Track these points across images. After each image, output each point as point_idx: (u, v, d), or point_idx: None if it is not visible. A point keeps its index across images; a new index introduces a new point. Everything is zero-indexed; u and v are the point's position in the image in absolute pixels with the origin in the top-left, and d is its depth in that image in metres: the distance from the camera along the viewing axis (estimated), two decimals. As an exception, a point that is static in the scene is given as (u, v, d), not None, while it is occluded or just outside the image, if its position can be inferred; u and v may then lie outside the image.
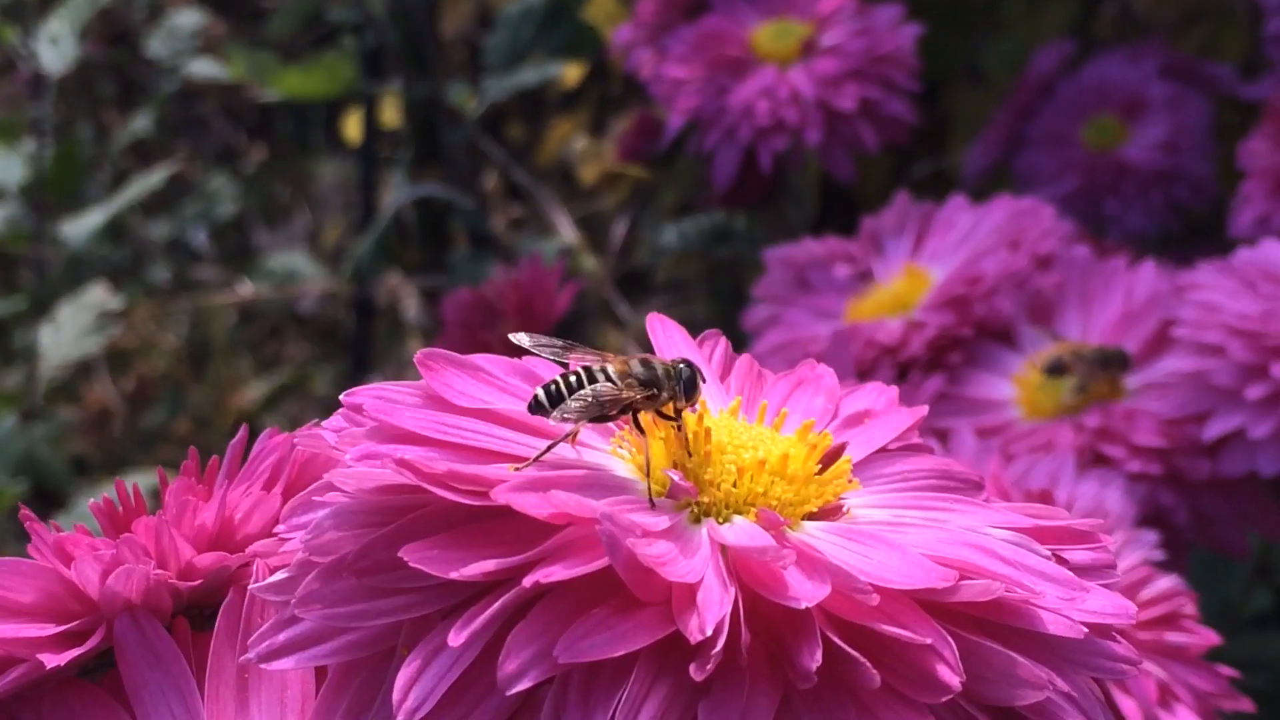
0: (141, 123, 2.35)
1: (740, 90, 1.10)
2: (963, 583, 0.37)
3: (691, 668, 0.35)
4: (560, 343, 0.47)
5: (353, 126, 2.04)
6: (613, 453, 0.43)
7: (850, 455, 0.44)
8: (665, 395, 0.43)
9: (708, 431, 0.41)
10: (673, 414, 0.43)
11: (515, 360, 0.46)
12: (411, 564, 0.36)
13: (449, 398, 0.42)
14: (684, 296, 1.82)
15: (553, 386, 0.42)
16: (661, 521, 0.38)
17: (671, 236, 1.30)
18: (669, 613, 0.36)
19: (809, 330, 0.94)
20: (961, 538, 0.40)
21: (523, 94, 2.35)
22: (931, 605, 0.37)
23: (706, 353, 0.50)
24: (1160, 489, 0.77)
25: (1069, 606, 0.38)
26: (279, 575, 0.39)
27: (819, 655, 0.35)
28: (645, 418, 0.43)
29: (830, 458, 0.43)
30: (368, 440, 0.40)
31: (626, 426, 0.43)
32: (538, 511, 0.36)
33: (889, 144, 1.11)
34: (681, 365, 0.44)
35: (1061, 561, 0.41)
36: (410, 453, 0.38)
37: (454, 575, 0.36)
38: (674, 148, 1.28)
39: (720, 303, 1.66)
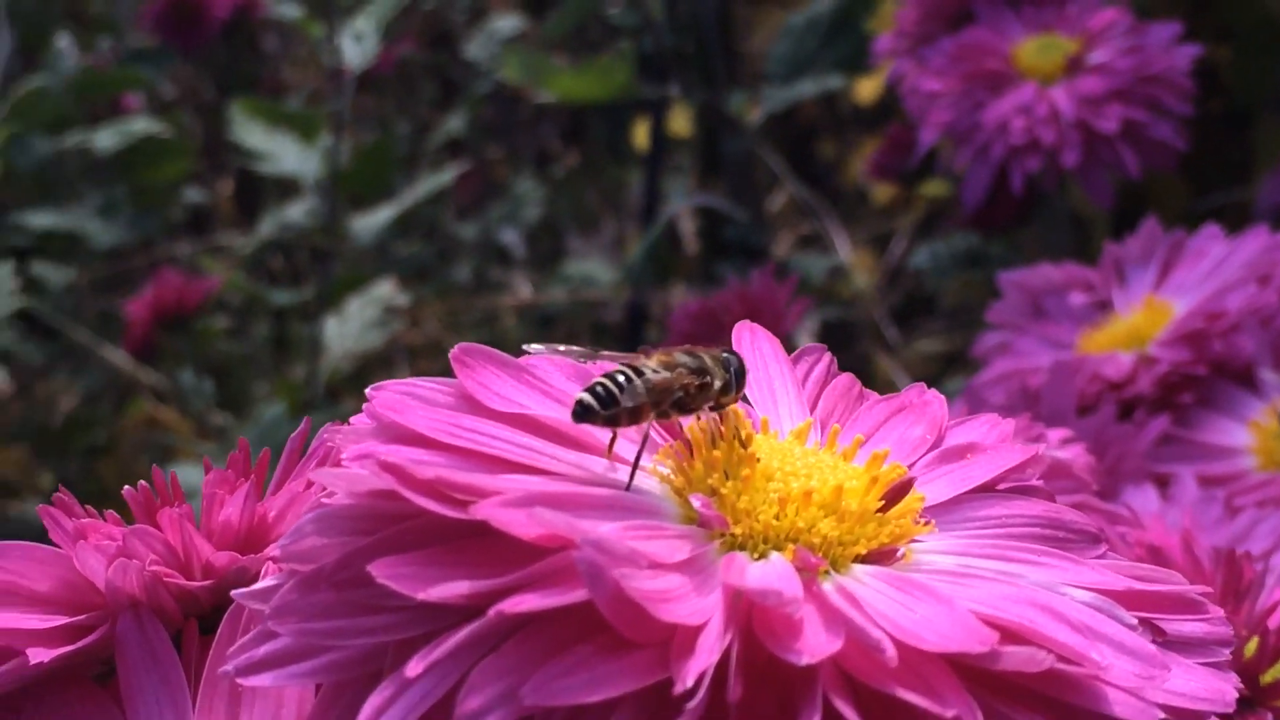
0: (455, 123, 2.39)
1: (996, 106, 1.04)
2: (1006, 649, 0.31)
3: (671, 723, 0.30)
4: (582, 350, 0.42)
5: (642, 134, 2.02)
6: (652, 471, 0.38)
7: (929, 492, 0.39)
8: (718, 383, 0.39)
9: (751, 455, 0.37)
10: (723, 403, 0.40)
11: (578, 364, 0.42)
12: (378, 579, 0.32)
13: (482, 399, 0.38)
14: (965, 322, 1.75)
15: (599, 388, 0.38)
16: (680, 552, 0.34)
17: (924, 258, 1.24)
18: (665, 657, 0.31)
19: (1035, 360, 0.87)
20: (1029, 596, 0.34)
21: (833, 111, 2.31)
22: (973, 672, 0.32)
23: (803, 370, 0.45)
24: None
25: (1145, 686, 0.33)
26: (266, 582, 0.36)
27: (816, 718, 0.30)
28: (694, 433, 0.38)
29: (896, 494, 0.37)
30: (371, 439, 0.36)
31: (673, 442, 0.39)
32: (523, 531, 0.32)
33: (1155, 170, 1.03)
34: (727, 355, 0.40)
35: (1157, 632, 0.35)
36: (403, 454, 0.34)
37: (421, 596, 0.32)
38: (925, 165, 1.22)
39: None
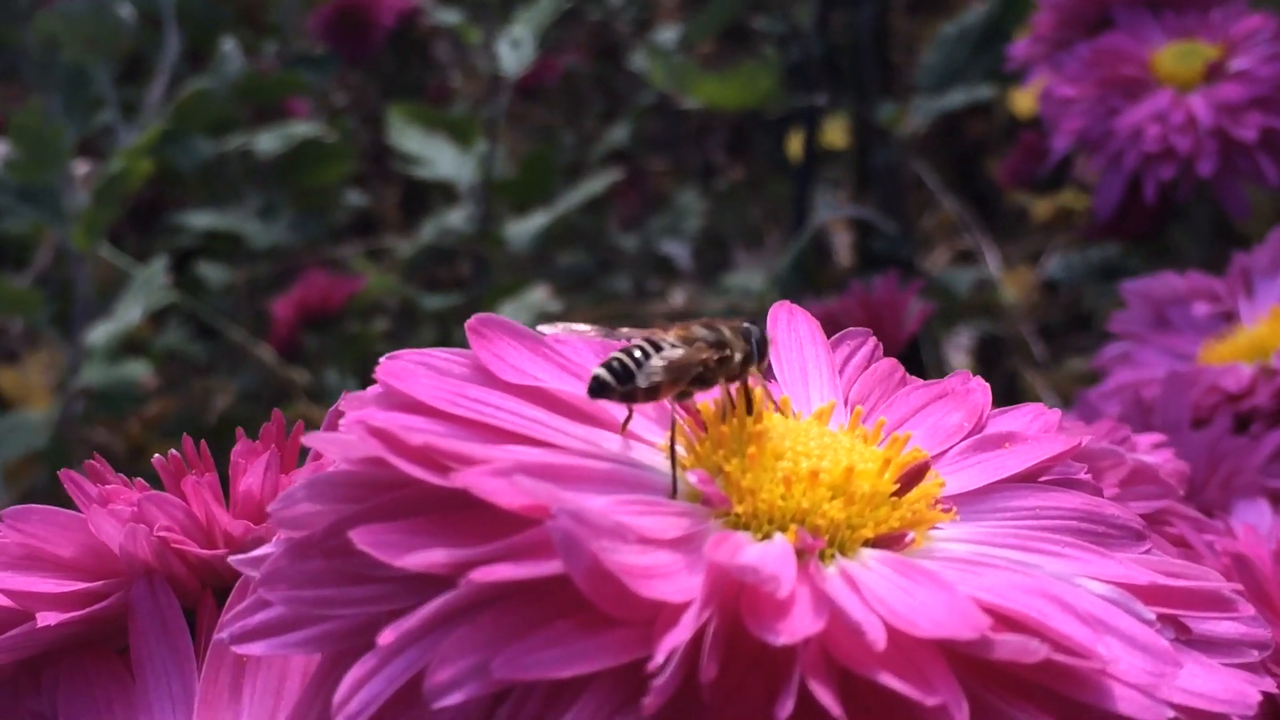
0: (619, 134, 2.39)
1: (1131, 113, 1.01)
2: (999, 637, 0.30)
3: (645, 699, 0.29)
4: (600, 328, 0.41)
5: (795, 145, 2.01)
6: (663, 447, 0.37)
7: (959, 480, 0.38)
8: (739, 356, 0.38)
9: (759, 433, 0.35)
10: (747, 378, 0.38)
11: (602, 341, 0.41)
12: (357, 545, 0.31)
13: (495, 370, 0.37)
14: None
15: (615, 363, 0.37)
16: (676, 530, 0.33)
17: (1058, 269, 1.21)
18: (648, 636, 0.30)
19: (1154, 372, 0.84)
20: (1040, 586, 0.32)
21: (1004, 126, 2.27)
22: (968, 661, 0.30)
23: (844, 353, 0.44)
24: None
25: (1157, 683, 0.31)
26: (265, 549, 0.35)
27: (789, 703, 0.29)
28: (707, 409, 0.37)
29: (912, 478, 0.36)
30: (372, 406, 0.35)
31: (685, 420, 0.37)
32: (505, 500, 0.31)
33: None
34: (748, 325, 0.39)
35: (1182, 630, 0.33)
36: (394, 420, 0.33)
37: (398, 564, 0.31)
38: (1058, 172, 1.18)
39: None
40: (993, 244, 1.51)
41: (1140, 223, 1.10)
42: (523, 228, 1.86)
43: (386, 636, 0.31)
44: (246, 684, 0.37)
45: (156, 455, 0.43)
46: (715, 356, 0.38)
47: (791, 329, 0.43)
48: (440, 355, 0.38)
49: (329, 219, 2.15)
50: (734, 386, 0.38)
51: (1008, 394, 1.37)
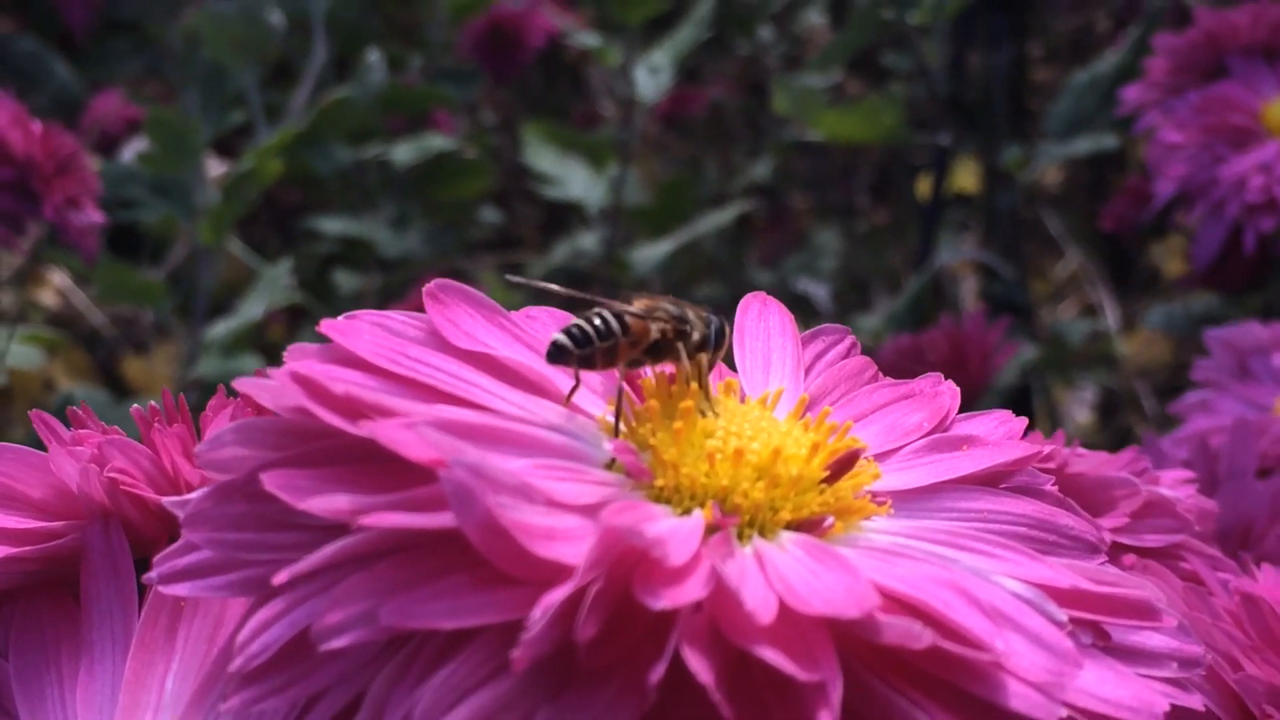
0: (761, 169, 2.39)
1: (1236, 162, 0.98)
2: (885, 619, 0.29)
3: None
4: (565, 290, 0.41)
5: (925, 186, 1.99)
6: (599, 419, 0.37)
7: (907, 478, 0.37)
8: (696, 335, 0.39)
9: (688, 409, 0.35)
10: (696, 359, 0.39)
11: (561, 315, 0.41)
12: (266, 486, 0.31)
13: (447, 334, 0.37)
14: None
15: (574, 329, 0.37)
16: (590, 497, 0.32)
17: (1158, 319, 1.18)
18: (542, 596, 0.30)
19: (1227, 419, 0.82)
20: (951, 578, 0.32)
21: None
22: (859, 645, 0.30)
23: (818, 348, 0.43)
24: None
25: (1055, 683, 0.30)
26: (199, 492, 0.35)
27: (660, 668, 0.28)
28: (647, 383, 0.37)
29: (841, 465, 0.35)
30: (313, 358, 0.35)
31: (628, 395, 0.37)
32: (411, 452, 0.31)
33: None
34: (710, 314, 0.40)
35: (1101, 636, 0.32)
36: (321, 370, 0.34)
37: (301, 506, 0.31)
38: (1161, 219, 1.16)
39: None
40: (1115, 297, 1.48)
41: (1239, 274, 1.07)
42: (648, 253, 1.87)
43: (281, 577, 0.31)
44: (182, 628, 0.37)
45: (135, 405, 0.43)
46: (674, 328, 0.38)
47: (762, 319, 0.43)
48: (396, 317, 0.38)
49: (464, 234, 2.17)
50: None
51: (1121, 447, 1.34)
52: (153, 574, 0.34)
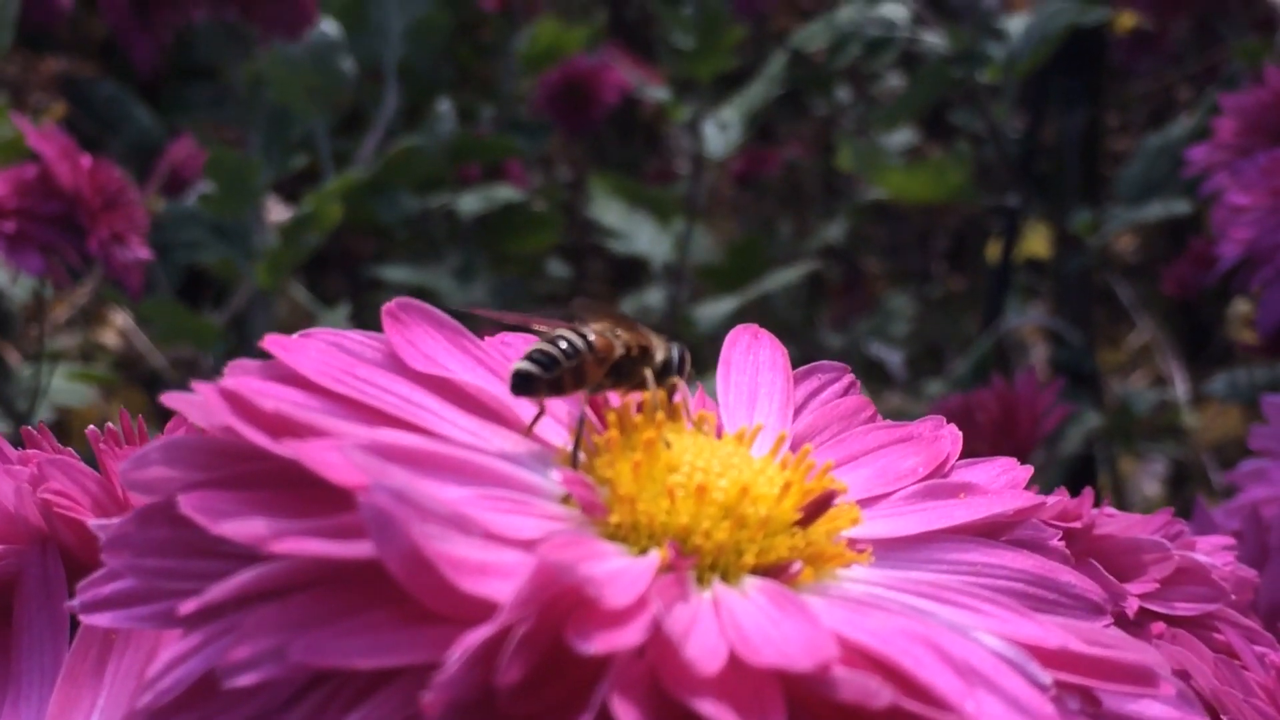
0: (834, 230, 2.37)
1: (1303, 226, 0.95)
2: (841, 675, 0.26)
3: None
4: (516, 316, 0.39)
5: (994, 250, 1.96)
6: (558, 449, 0.34)
7: (894, 525, 0.34)
8: (659, 355, 0.37)
9: (649, 441, 0.32)
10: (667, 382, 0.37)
11: (529, 340, 0.38)
12: (182, 508, 0.29)
13: (404, 356, 0.35)
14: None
15: (537, 354, 0.35)
16: (536, 530, 0.30)
17: (1220, 386, 1.15)
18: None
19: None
20: (925, 633, 0.29)
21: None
22: (816, 704, 0.27)
23: (811, 386, 0.40)
24: None
25: (1028, 753, 0.27)
26: (121, 516, 0.33)
27: (586, 719, 0.26)
28: (611, 414, 0.34)
29: (816, 508, 0.32)
30: (254, 375, 0.33)
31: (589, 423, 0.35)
32: (335, 475, 0.29)
33: None
34: (672, 341, 0.38)
35: (1090, 702, 0.29)
36: (256, 387, 0.31)
37: (214, 530, 0.29)
38: (1226, 283, 1.12)
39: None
40: (1187, 369, 1.44)
41: (1306, 342, 1.04)
42: (713, 310, 1.84)
43: (188, 606, 0.28)
44: (112, 662, 0.35)
45: (91, 426, 0.41)
46: (637, 345, 0.35)
47: (751, 351, 0.40)
48: (354, 336, 0.35)
49: (531, 286, 2.15)
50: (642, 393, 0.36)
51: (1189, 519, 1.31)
52: (75, 602, 0.32)
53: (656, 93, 1.92)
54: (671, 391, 0.37)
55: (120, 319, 1.93)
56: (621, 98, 2.26)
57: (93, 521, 0.33)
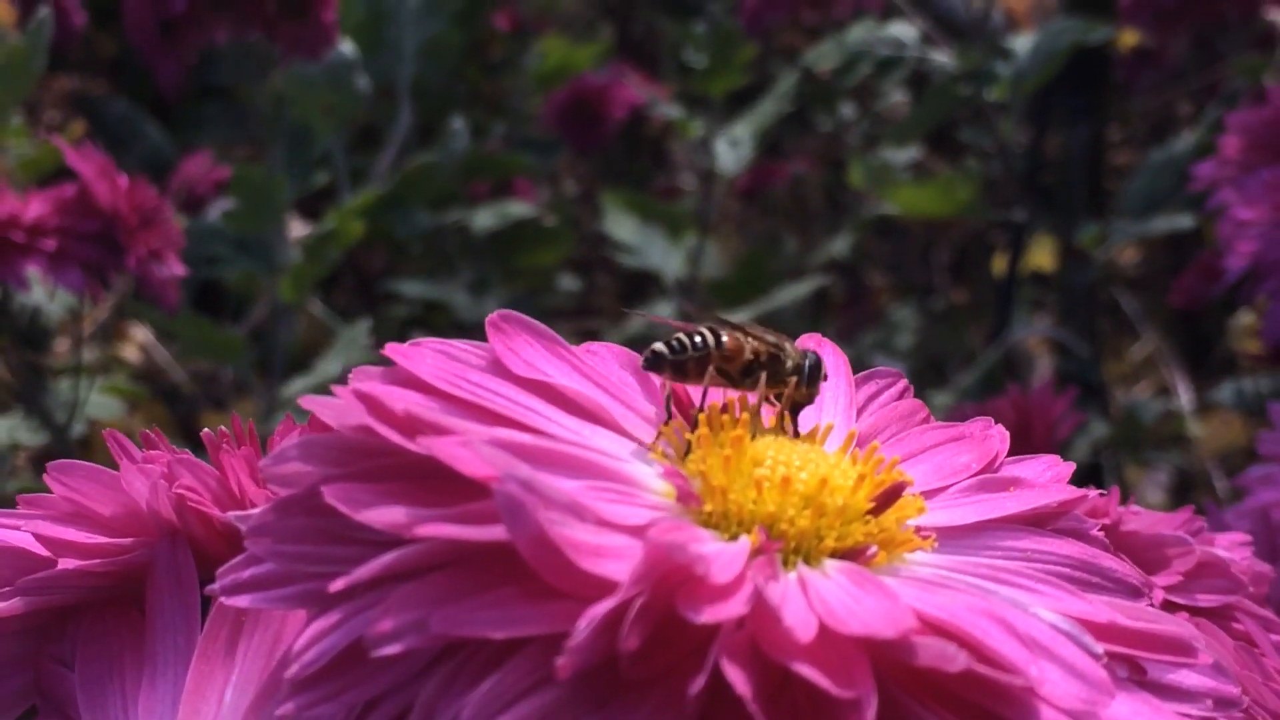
0: (840, 245, 2.40)
1: (1305, 239, 0.99)
2: (920, 640, 0.30)
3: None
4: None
5: (999, 262, 1.99)
6: (652, 447, 0.38)
7: (954, 515, 0.38)
8: (790, 365, 0.42)
9: (738, 437, 0.36)
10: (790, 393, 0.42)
11: (635, 356, 0.42)
12: (327, 498, 0.33)
13: (508, 363, 0.39)
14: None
15: (674, 342, 0.41)
16: (641, 517, 0.33)
17: (1226, 395, 1.18)
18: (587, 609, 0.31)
19: (1292, 493, 0.82)
20: (989, 607, 0.32)
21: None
22: (896, 667, 0.31)
23: (871, 390, 0.44)
24: None
25: (1088, 711, 0.30)
26: (260, 506, 0.37)
27: (700, 680, 0.29)
28: (702, 415, 0.38)
29: (887, 497, 0.36)
30: (377, 380, 0.37)
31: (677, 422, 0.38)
32: (468, 468, 0.32)
33: None
34: (807, 351, 0.42)
35: (1137, 671, 0.33)
36: (384, 390, 0.35)
37: (358, 518, 0.32)
38: (1231, 295, 1.16)
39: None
40: (1191, 379, 1.48)
41: (1309, 352, 1.07)
42: (723, 324, 1.87)
43: (337, 585, 0.32)
44: (242, 641, 0.38)
45: (206, 429, 0.45)
46: (767, 351, 0.39)
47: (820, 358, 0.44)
48: (459, 345, 0.39)
49: (542, 300, 2.19)
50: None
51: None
52: (215, 585, 0.35)
53: (669, 110, 1.96)
54: (804, 401, 0.41)
55: (141, 334, 1.97)
56: (630, 115, 2.30)
57: (232, 513, 0.36)
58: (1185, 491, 1.56)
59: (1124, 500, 0.55)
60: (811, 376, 0.42)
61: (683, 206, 2.11)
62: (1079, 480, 0.44)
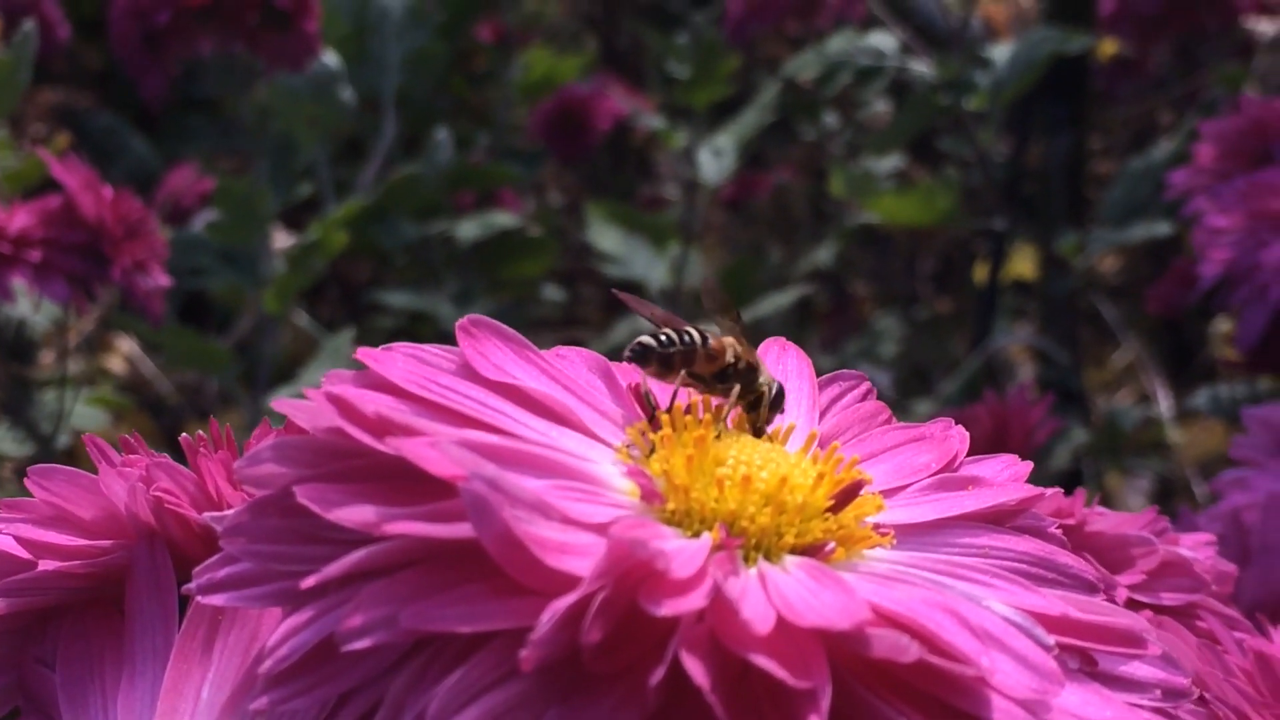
0: (823, 254, 2.41)
1: (1278, 247, 1.00)
2: (874, 632, 0.31)
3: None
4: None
5: (980, 271, 2.00)
6: (618, 448, 0.39)
7: (912, 513, 0.39)
8: (762, 380, 0.43)
9: (701, 438, 0.37)
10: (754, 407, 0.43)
11: (603, 360, 0.43)
12: (299, 498, 0.33)
13: (477, 366, 0.39)
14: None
15: (663, 336, 0.42)
16: (605, 516, 0.34)
17: (1202, 401, 1.19)
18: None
19: (1260, 496, 0.83)
20: (943, 601, 0.33)
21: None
22: (851, 659, 0.31)
23: (833, 392, 0.45)
24: None
25: (1039, 701, 0.31)
26: (238, 509, 0.37)
27: (659, 671, 0.30)
28: (665, 418, 0.39)
29: (846, 495, 0.37)
30: (349, 383, 0.38)
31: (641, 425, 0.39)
32: (435, 468, 0.33)
33: None
34: (775, 380, 0.44)
35: (1088, 662, 0.34)
36: (358, 393, 0.36)
37: (329, 516, 0.33)
38: (1206, 302, 1.17)
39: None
40: (1171, 386, 1.49)
41: (1281, 357, 1.08)
42: (706, 335, 1.88)
43: (309, 582, 0.32)
44: (219, 640, 0.39)
45: (184, 434, 0.45)
46: (745, 362, 0.42)
47: (780, 361, 0.45)
48: (430, 349, 0.40)
49: (527, 311, 2.20)
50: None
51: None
52: (192, 585, 0.36)
53: (653, 121, 1.97)
54: (765, 421, 0.42)
55: (126, 345, 1.97)
56: (615, 126, 2.31)
57: (207, 514, 0.37)
58: (1166, 498, 1.57)
59: (1102, 503, 0.56)
60: (775, 402, 0.43)
61: (667, 217, 2.12)
62: (1061, 487, 0.45)
